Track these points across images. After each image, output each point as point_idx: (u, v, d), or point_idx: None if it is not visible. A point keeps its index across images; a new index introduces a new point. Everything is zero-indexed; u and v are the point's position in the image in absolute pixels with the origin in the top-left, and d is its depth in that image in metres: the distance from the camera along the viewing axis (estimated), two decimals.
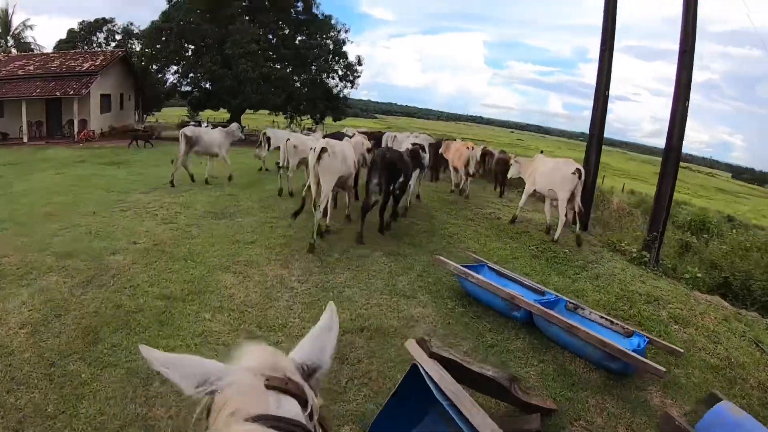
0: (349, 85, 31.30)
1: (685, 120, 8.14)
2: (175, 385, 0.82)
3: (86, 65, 22.81)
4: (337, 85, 31.26)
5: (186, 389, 0.81)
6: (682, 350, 4.59)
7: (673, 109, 8.17)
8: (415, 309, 5.26)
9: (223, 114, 31.61)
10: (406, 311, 5.18)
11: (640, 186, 42.48)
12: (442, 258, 5.73)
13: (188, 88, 30.17)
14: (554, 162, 8.96)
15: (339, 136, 9.91)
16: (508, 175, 10.29)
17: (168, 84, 29.95)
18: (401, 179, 7.44)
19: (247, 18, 26.58)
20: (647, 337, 4.66)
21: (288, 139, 9.67)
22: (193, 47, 28.37)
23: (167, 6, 28.20)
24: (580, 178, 8.11)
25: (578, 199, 8.32)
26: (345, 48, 30.72)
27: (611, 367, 4.33)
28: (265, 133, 13.07)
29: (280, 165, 10.04)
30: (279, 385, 0.78)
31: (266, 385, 0.78)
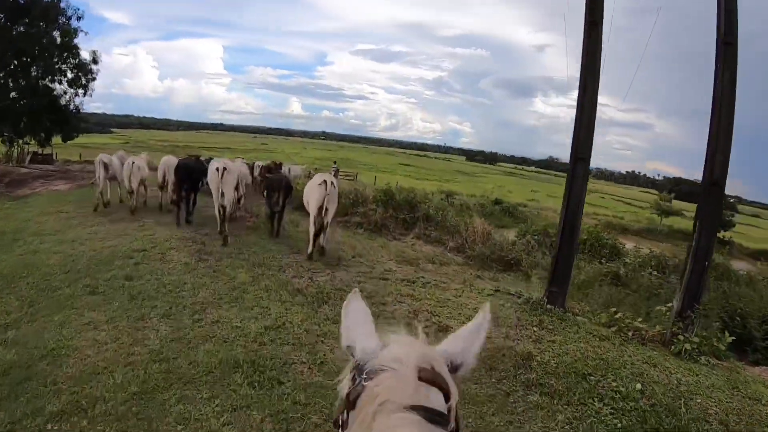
0: (81, 92, 23.24)
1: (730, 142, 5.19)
2: (347, 336, 0.93)
3: None
4: (65, 93, 23.00)
5: (347, 339, 0.94)
6: None
7: (712, 132, 5.15)
8: None
9: None
10: None
11: (403, 181, 43.81)
12: None
13: None
14: (314, 176, 8.93)
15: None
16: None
17: None
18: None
19: None
20: None
21: (133, 162, 10.54)
22: None
23: None
24: (326, 189, 7.63)
25: (330, 213, 7.79)
26: (77, 41, 22.42)
27: None
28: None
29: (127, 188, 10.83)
30: (430, 378, 0.79)
31: (419, 377, 0.78)
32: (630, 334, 5.69)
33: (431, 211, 12.13)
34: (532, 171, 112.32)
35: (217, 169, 8.38)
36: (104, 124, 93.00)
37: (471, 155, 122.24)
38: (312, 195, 7.83)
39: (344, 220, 11.92)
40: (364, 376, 0.79)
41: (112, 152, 12.02)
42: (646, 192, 78.14)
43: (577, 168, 5.80)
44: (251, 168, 14.80)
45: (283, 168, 18.82)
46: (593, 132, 5.75)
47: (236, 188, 9.60)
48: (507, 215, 31.67)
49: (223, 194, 8.41)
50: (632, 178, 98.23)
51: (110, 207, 10.66)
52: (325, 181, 7.65)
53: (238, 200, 10.80)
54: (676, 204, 38.41)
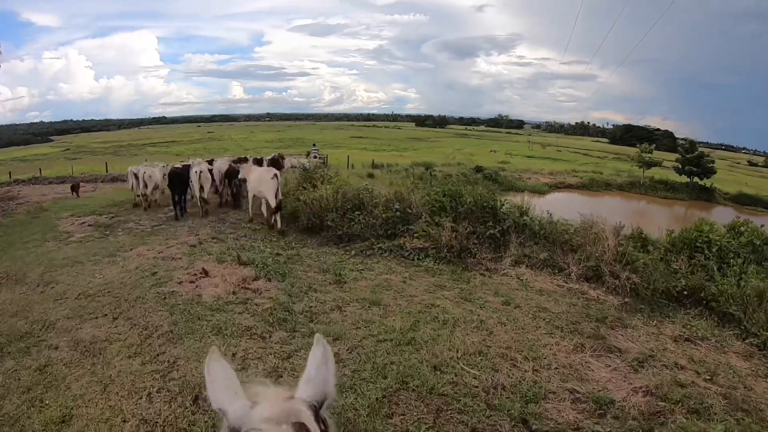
0: None
1: None
2: (215, 399, 0.96)
3: None
4: None
5: (216, 402, 0.98)
6: None
7: None
8: None
9: None
10: None
11: (363, 154, 42.13)
12: None
13: None
14: (259, 170, 10.82)
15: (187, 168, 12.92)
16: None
17: None
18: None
19: None
20: None
21: (145, 172, 13.45)
22: None
23: None
24: (278, 180, 9.96)
25: (279, 195, 10.06)
26: None
27: None
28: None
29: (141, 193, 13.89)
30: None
31: None
32: None
33: (525, 219, 8.64)
34: (482, 130, 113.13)
35: (196, 172, 11.98)
36: (43, 133, 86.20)
37: (420, 120, 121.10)
38: (267, 187, 9.96)
39: (393, 245, 8.64)
40: None
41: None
42: (597, 141, 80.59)
43: None
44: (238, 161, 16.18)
45: (284, 161, 21.14)
46: None
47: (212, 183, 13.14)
48: (492, 182, 30.52)
49: (202, 188, 12.08)
50: (582, 129, 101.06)
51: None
52: (275, 175, 10.02)
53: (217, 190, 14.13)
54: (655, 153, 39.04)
